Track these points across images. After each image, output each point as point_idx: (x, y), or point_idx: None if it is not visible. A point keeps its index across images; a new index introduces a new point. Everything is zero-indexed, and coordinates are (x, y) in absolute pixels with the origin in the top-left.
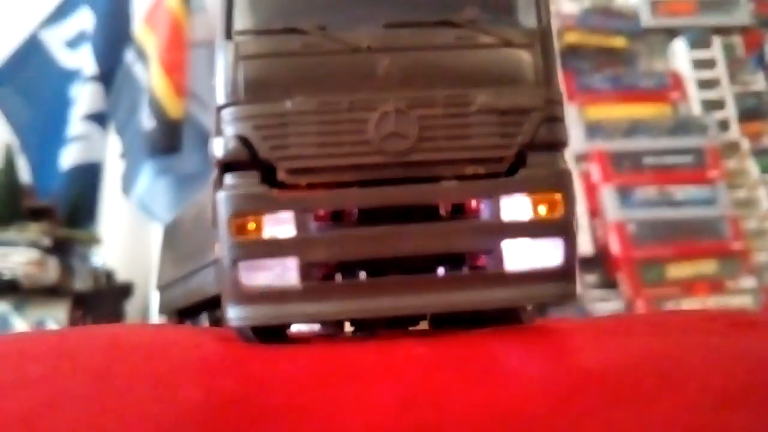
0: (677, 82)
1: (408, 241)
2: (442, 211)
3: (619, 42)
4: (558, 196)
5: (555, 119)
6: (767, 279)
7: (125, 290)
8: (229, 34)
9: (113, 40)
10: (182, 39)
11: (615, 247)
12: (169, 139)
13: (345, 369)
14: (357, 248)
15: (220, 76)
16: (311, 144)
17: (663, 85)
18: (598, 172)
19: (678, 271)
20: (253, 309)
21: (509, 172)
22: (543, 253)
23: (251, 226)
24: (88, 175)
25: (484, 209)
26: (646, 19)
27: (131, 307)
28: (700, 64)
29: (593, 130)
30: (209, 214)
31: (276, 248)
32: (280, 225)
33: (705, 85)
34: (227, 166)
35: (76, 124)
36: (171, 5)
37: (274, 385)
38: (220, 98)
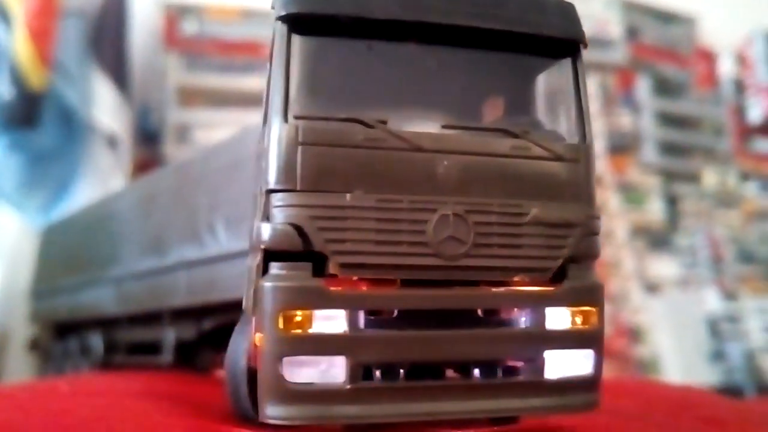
0: None
1: (458, 346)
2: (482, 315)
3: None
4: (594, 309)
5: (594, 234)
6: (620, 307)
7: None
8: (285, 116)
9: None
10: (54, 5)
11: None
12: (28, 112)
13: None
14: (407, 351)
15: (274, 159)
16: (368, 240)
17: None
18: None
19: None
20: (296, 408)
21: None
22: (576, 363)
23: (300, 320)
24: None
25: (528, 318)
26: None
27: None
28: None
29: None
30: (246, 301)
31: (325, 345)
32: (331, 321)
33: None
34: (272, 253)
35: None
36: None
37: None
38: (273, 182)
